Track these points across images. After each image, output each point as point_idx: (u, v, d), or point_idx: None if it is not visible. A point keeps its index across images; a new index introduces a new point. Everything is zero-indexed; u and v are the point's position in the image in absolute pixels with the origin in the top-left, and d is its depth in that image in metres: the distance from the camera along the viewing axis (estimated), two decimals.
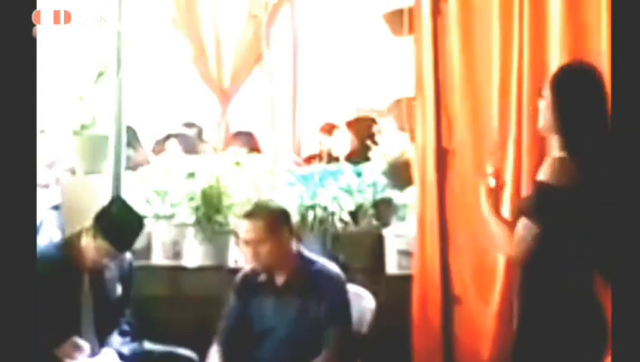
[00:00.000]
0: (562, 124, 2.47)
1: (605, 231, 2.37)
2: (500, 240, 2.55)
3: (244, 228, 3.22)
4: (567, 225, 2.39)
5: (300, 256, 3.29)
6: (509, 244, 2.48)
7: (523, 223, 2.43)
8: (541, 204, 2.40)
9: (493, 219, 2.57)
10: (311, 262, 3.29)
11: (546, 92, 2.52)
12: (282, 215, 3.30)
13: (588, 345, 2.42)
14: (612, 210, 2.34)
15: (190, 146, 5.79)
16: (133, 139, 5.37)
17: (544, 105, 2.52)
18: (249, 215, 3.24)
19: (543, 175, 2.43)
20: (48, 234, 4.38)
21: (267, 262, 3.20)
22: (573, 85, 2.51)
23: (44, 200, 4.42)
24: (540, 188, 2.42)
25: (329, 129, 6.13)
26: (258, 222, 3.19)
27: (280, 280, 3.26)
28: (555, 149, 2.49)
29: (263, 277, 3.26)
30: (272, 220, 3.22)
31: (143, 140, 5.88)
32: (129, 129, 5.54)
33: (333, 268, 3.30)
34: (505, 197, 3.13)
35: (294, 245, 3.30)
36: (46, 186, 4.57)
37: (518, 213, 2.50)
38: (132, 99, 4.42)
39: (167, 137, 6.08)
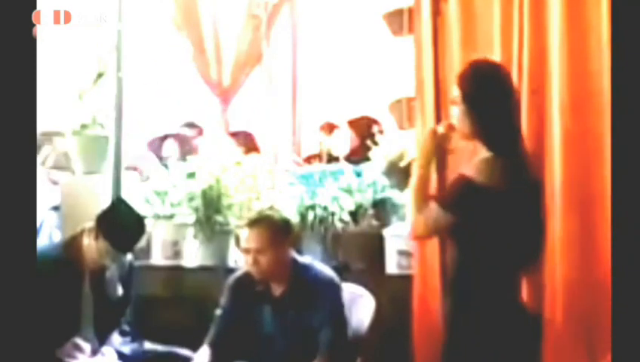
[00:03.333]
0: (478, 127, 2.45)
1: (531, 232, 2.37)
2: (411, 208, 2.51)
3: (247, 237, 3.20)
4: (488, 224, 2.37)
5: (295, 262, 3.27)
6: (417, 219, 2.46)
7: (434, 208, 2.41)
8: (458, 196, 2.38)
9: (417, 181, 2.50)
10: (306, 268, 3.27)
11: (456, 97, 2.50)
12: (285, 226, 3.29)
13: (515, 349, 2.40)
14: (539, 211, 2.34)
15: (188, 146, 5.80)
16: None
17: (457, 111, 2.50)
18: (252, 224, 3.22)
19: (467, 170, 2.41)
20: (48, 235, 4.38)
21: (266, 271, 3.18)
22: (479, 85, 2.49)
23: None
24: (461, 181, 2.40)
25: (329, 129, 6.13)
26: (261, 231, 3.17)
27: (277, 290, 3.23)
28: (482, 151, 2.46)
29: (259, 287, 3.24)
30: (275, 231, 3.20)
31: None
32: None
33: (328, 271, 3.29)
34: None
35: (292, 253, 3.29)
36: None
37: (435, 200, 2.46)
38: (132, 99, 4.42)
39: (165, 137, 6.09)
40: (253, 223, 3.23)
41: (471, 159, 2.57)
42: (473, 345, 2.38)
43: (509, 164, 2.37)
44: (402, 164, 4.02)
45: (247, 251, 3.19)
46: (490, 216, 2.34)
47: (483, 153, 2.42)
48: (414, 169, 2.56)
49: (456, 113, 2.49)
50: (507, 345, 2.39)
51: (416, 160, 2.56)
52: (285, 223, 3.31)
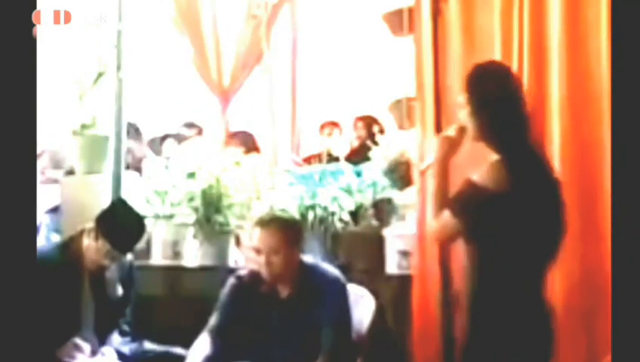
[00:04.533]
0: (484, 129, 2.44)
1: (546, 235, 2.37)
2: (431, 214, 2.53)
3: (260, 236, 3.17)
4: (500, 228, 2.36)
5: (302, 263, 3.26)
6: (432, 224, 2.49)
7: (445, 216, 2.42)
8: (466, 203, 2.38)
9: (435, 188, 2.51)
10: (312, 269, 3.26)
11: (463, 98, 2.49)
12: (298, 226, 3.31)
13: (535, 349, 2.41)
14: (555, 208, 2.34)
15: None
16: (135, 135, 5.40)
17: (464, 113, 2.49)
18: (266, 223, 3.20)
19: (475, 175, 2.39)
20: (45, 237, 4.38)
21: (278, 272, 3.15)
22: (484, 87, 2.47)
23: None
24: (468, 188, 2.39)
25: (329, 128, 6.14)
26: (275, 232, 3.15)
27: (284, 292, 3.21)
28: (490, 153, 2.45)
29: (265, 288, 3.22)
30: (290, 231, 3.19)
31: (144, 136, 5.89)
32: (131, 125, 5.60)
33: (333, 271, 3.29)
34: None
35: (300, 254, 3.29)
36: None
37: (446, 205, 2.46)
38: (132, 99, 4.42)
39: (165, 137, 6.09)
40: (267, 223, 3.20)
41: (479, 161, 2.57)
42: (494, 346, 2.39)
43: (517, 166, 2.36)
44: (402, 163, 4.04)
45: (259, 251, 3.15)
46: (502, 220, 2.34)
47: (491, 156, 2.42)
48: (431, 176, 2.56)
49: (463, 116, 2.49)
50: (529, 343, 2.40)
51: (432, 167, 2.55)
52: (297, 223, 3.33)
